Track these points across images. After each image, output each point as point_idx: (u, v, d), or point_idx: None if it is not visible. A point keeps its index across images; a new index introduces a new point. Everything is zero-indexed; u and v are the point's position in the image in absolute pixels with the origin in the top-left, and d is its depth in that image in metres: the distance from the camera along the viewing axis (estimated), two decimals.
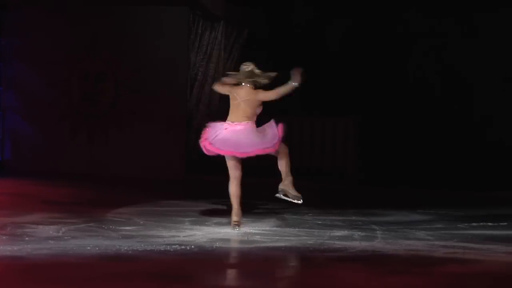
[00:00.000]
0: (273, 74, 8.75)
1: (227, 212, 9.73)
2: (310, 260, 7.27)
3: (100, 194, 11.62)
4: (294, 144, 12.47)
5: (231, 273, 6.75)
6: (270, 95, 8.72)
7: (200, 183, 13.26)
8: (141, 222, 8.93)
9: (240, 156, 8.63)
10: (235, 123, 8.71)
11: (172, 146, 13.80)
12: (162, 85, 13.84)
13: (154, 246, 7.54)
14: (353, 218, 9.63)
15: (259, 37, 14.45)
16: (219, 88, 8.98)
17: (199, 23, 13.95)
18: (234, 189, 8.77)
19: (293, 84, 8.61)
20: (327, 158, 14.15)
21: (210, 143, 8.64)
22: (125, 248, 7.39)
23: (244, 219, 9.11)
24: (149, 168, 13.75)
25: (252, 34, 14.53)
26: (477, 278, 6.74)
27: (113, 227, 8.54)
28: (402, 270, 6.88)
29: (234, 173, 8.74)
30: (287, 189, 8.80)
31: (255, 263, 7.38)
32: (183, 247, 7.56)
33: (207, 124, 8.86)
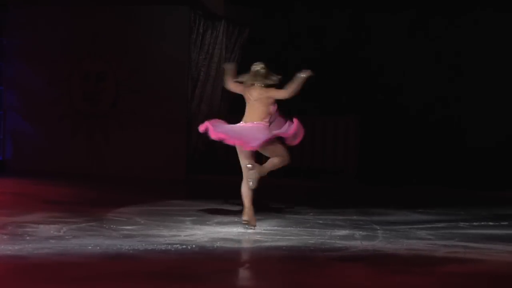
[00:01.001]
0: (276, 77, 8.73)
1: (228, 212, 9.73)
2: (311, 259, 7.26)
3: (101, 194, 11.62)
4: None
5: (232, 273, 6.75)
6: (282, 93, 8.71)
7: (201, 183, 13.25)
8: (142, 222, 8.93)
9: (241, 145, 8.55)
10: (248, 123, 8.70)
11: (173, 146, 13.77)
12: (163, 85, 13.82)
13: (155, 245, 7.55)
14: (354, 217, 9.63)
15: (260, 36, 14.43)
16: (233, 87, 8.93)
17: (200, 22, 13.93)
18: (245, 189, 8.72)
19: (300, 76, 8.60)
20: (328, 157, 14.14)
21: (214, 127, 8.56)
22: (126, 248, 7.39)
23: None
24: (150, 168, 13.73)
25: (253, 33, 14.51)
26: (478, 277, 6.74)
27: (114, 226, 8.53)
28: (403, 270, 6.88)
29: (247, 173, 8.70)
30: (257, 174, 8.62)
31: (256, 262, 7.38)
32: (184, 246, 7.55)
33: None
